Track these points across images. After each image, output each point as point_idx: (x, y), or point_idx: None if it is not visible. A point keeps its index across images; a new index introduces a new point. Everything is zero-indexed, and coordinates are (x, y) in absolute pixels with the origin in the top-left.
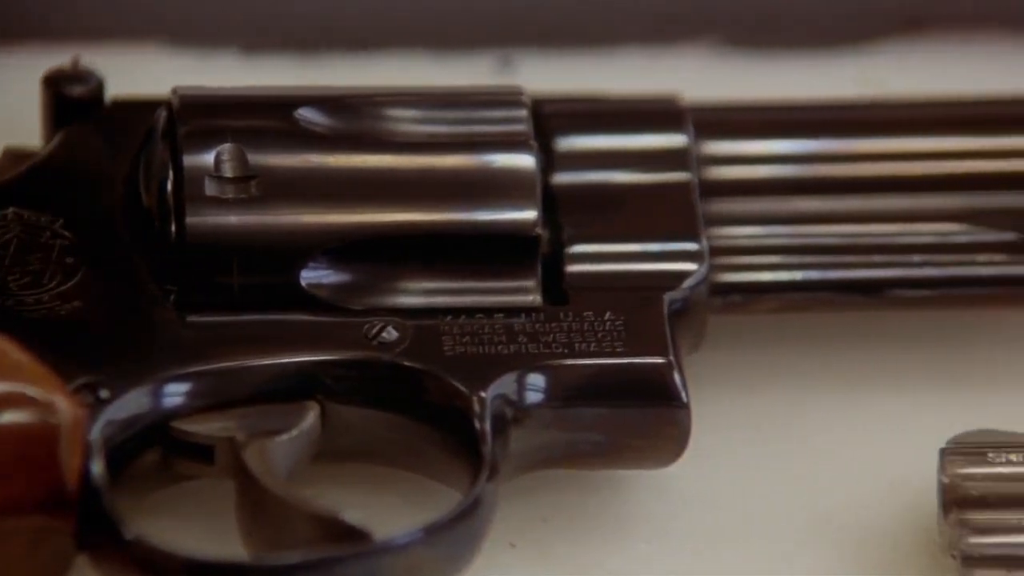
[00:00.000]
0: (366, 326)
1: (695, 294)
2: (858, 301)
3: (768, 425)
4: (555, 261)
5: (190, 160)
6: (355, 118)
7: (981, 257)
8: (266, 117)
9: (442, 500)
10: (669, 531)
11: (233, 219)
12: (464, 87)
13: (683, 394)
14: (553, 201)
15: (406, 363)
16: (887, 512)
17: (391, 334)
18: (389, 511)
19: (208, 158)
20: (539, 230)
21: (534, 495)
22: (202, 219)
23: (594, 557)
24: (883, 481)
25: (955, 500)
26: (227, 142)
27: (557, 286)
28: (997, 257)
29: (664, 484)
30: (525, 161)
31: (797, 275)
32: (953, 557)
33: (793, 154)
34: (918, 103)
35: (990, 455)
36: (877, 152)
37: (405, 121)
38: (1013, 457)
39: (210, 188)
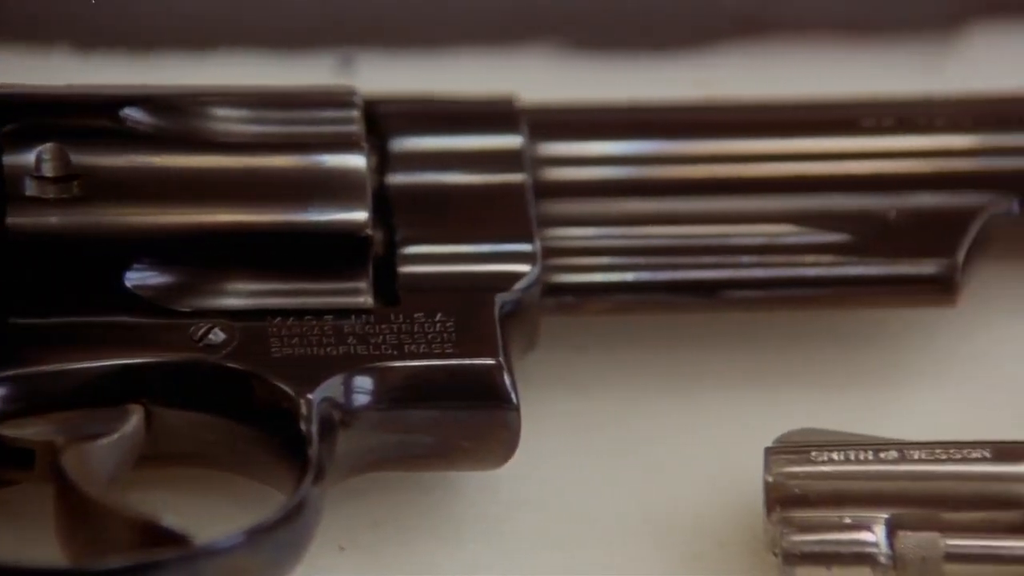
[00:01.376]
0: (192, 328)
1: (528, 295)
2: (690, 302)
3: (601, 426)
4: (388, 262)
5: (10, 160)
6: (182, 118)
7: (810, 258)
8: (90, 116)
9: (271, 503)
10: (502, 532)
11: (54, 219)
12: (295, 87)
13: (512, 395)
14: (387, 202)
15: (232, 365)
16: (715, 511)
17: (217, 336)
18: (215, 514)
19: (29, 158)
20: (370, 231)
21: (365, 497)
22: (23, 220)
23: (425, 559)
24: (712, 480)
25: (778, 498)
26: (49, 141)
27: (390, 287)
28: (825, 258)
29: (497, 485)
30: (355, 162)
31: (629, 276)
32: (775, 555)
33: (627, 156)
34: (749, 105)
35: (813, 454)
36: (710, 154)
37: (233, 121)
38: (835, 456)
39: (31, 188)
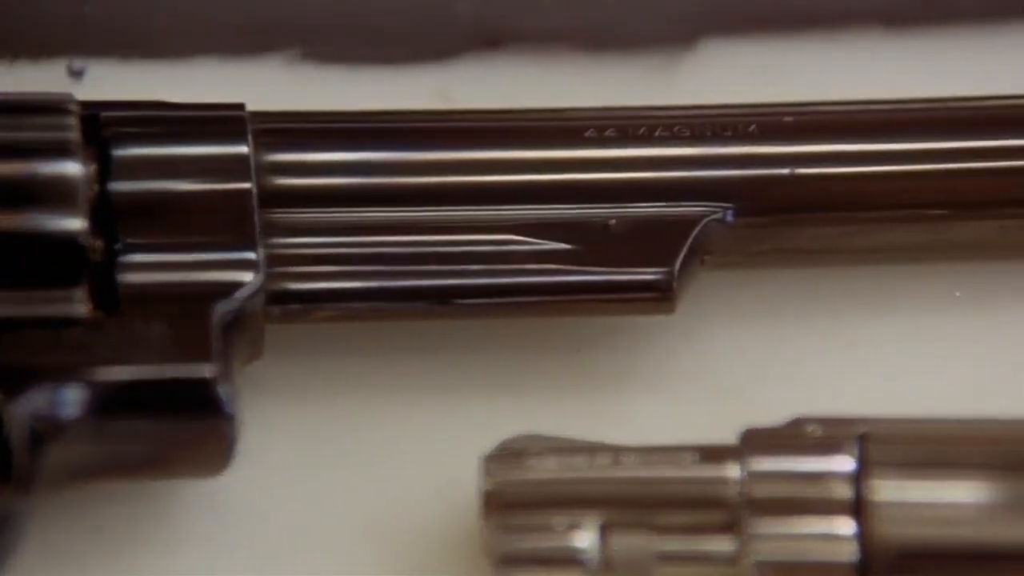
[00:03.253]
0: None
1: (250, 303)
2: (418, 310)
3: (327, 434)
4: (109, 270)
5: None
6: None
7: (533, 266)
8: None
9: None
10: (223, 541)
11: None
12: (8, 93)
13: (228, 405)
14: (109, 209)
15: None
16: (436, 517)
17: None
18: None
19: None
20: (86, 239)
21: (83, 507)
22: None
23: (144, 569)
24: (435, 488)
25: (495, 505)
26: None
27: (111, 295)
28: (548, 266)
29: (221, 494)
30: (70, 169)
31: (356, 284)
32: (492, 560)
33: (355, 164)
34: (474, 116)
35: (528, 460)
36: (436, 163)
37: None
38: (550, 461)
39: None
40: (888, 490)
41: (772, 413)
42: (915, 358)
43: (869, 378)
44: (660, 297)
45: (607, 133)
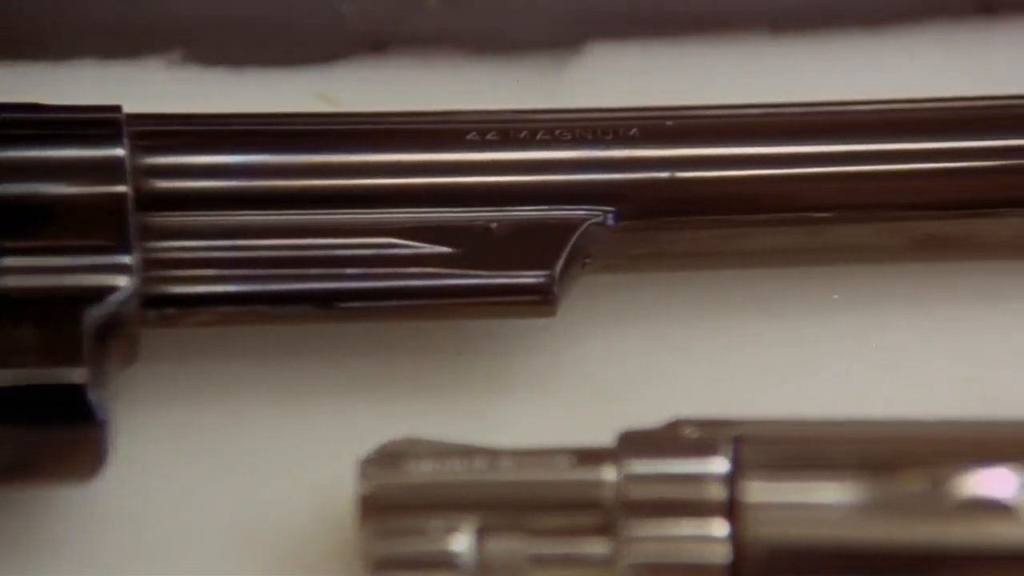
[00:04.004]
0: None
1: (124, 308)
2: (298, 313)
3: (203, 437)
4: None
5: None
6: None
7: (414, 270)
8: None
9: None
10: (98, 548)
11: None
12: None
13: (100, 411)
14: None
15: None
16: (313, 521)
17: None
18: None
19: None
20: None
21: None
22: None
23: None
24: (312, 490)
25: (371, 508)
26: None
27: None
28: (429, 270)
29: (94, 500)
30: None
31: (235, 288)
32: (368, 564)
33: (234, 167)
34: (353, 118)
35: (406, 464)
36: (316, 166)
37: None
38: (427, 465)
39: None
40: (760, 491)
41: (653, 415)
42: (794, 360)
43: (749, 380)
44: (541, 300)
45: (489, 136)
